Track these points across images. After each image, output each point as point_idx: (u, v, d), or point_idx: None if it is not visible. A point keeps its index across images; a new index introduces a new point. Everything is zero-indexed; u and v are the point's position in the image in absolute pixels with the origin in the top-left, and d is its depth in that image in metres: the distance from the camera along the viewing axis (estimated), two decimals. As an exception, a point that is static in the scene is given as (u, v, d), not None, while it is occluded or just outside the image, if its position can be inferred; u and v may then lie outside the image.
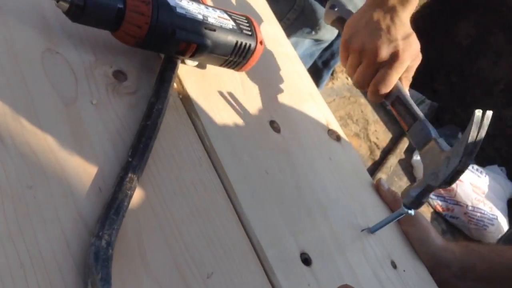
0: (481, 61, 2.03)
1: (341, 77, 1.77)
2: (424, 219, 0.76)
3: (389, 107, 0.72)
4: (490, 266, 0.73)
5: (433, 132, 0.66)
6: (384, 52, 0.67)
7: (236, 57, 0.60)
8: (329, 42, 1.09)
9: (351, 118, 1.71)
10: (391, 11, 0.67)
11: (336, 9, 0.79)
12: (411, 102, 0.69)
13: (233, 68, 0.63)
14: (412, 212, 0.66)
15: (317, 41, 1.06)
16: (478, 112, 0.57)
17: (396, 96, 0.70)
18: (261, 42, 0.62)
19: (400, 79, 0.70)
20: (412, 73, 0.72)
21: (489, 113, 0.57)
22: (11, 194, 0.43)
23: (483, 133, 0.57)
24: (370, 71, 0.69)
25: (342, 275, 0.61)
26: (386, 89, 0.69)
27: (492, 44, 2.00)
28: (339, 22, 0.78)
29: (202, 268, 0.50)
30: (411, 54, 0.69)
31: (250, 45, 0.60)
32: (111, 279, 0.42)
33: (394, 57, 0.67)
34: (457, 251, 0.74)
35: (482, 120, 0.57)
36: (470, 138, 0.56)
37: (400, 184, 1.74)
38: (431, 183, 0.62)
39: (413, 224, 0.74)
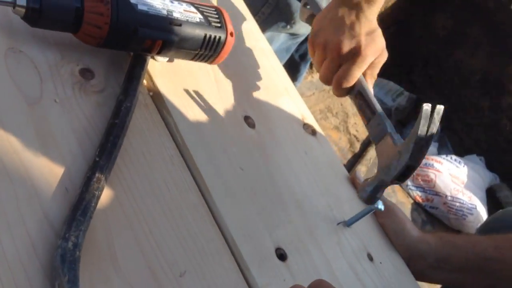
0: (458, 52, 2.05)
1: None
2: (400, 211, 0.77)
3: (352, 101, 0.73)
4: (465, 257, 0.74)
5: (389, 127, 0.66)
6: (346, 47, 0.68)
7: (206, 50, 0.59)
8: (305, 36, 1.09)
9: (331, 111, 1.72)
10: (356, 8, 0.68)
11: (308, 7, 0.79)
12: (372, 97, 0.69)
13: (205, 62, 0.62)
14: (381, 207, 0.67)
15: (293, 35, 1.05)
16: (426, 106, 0.56)
17: (357, 91, 0.70)
18: (231, 34, 0.61)
19: (364, 75, 0.71)
20: (377, 70, 0.72)
21: (440, 108, 0.56)
22: (-28, 197, 0.42)
23: (434, 128, 0.56)
24: (334, 66, 0.70)
25: (318, 269, 0.61)
26: (348, 83, 0.69)
27: (469, 36, 2.02)
28: (312, 19, 0.78)
29: (174, 267, 0.49)
30: (375, 50, 0.69)
31: (220, 38, 0.60)
32: (79, 281, 0.41)
33: (356, 52, 0.68)
34: (432, 242, 0.74)
35: (432, 115, 0.56)
36: (419, 133, 0.56)
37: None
38: (384, 178, 0.62)
39: (388, 216, 0.75)
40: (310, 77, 1.74)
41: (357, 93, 0.70)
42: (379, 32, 0.70)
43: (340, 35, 0.68)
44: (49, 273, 0.41)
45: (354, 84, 0.70)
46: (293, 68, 0.82)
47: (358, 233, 0.71)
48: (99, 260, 0.45)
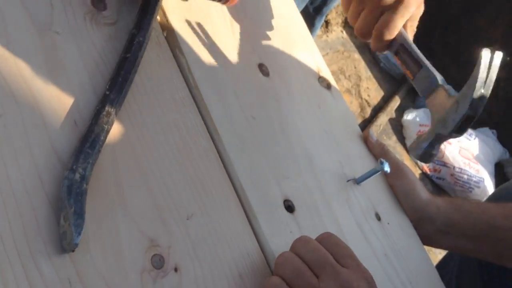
0: (479, 20, 1.98)
1: (336, 30, 1.73)
2: (411, 173, 0.75)
3: (394, 58, 0.69)
4: (474, 223, 0.73)
5: (440, 78, 0.63)
6: None
7: (223, -10, 0.56)
8: None
9: (344, 74, 1.68)
10: None
11: None
12: (416, 49, 0.65)
13: (219, 1, 0.59)
14: (387, 170, 0.65)
15: (310, -18, 1.01)
16: (486, 51, 0.52)
17: (400, 44, 0.66)
18: (251, -25, 0.58)
19: (404, 27, 0.67)
20: (416, 22, 0.68)
21: (500, 53, 0.52)
22: (-23, 121, 0.40)
23: (493, 75, 0.52)
24: (374, 17, 0.65)
25: (325, 224, 0.60)
26: (390, 34, 0.65)
27: (491, 2, 1.95)
28: None
29: (181, 209, 0.48)
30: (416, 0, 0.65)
31: (239, -23, 0.57)
32: (85, 214, 0.40)
33: (399, 0, 0.63)
34: (442, 206, 0.73)
35: (491, 60, 0.52)
36: (479, 80, 0.52)
37: (389, 143, 1.73)
38: (441, 131, 0.58)
39: (399, 177, 0.73)
40: (325, 36, 1.69)
41: (399, 47, 0.66)
42: None
43: None
44: (55, 205, 0.40)
45: (395, 38, 0.65)
46: (307, 21, 0.78)
47: (368, 192, 0.69)
48: (106, 196, 0.44)
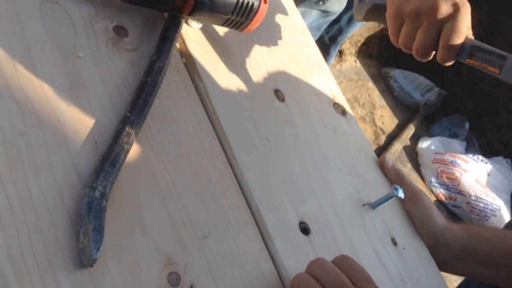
0: (492, 51, 1.99)
1: (349, 60, 1.75)
2: (427, 198, 0.74)
3: (467, 62, 0.67)
4: (491, 250, 0.71)
5: None
6: (444, 8, 0.63)
7: (238, 16, 0.58)
8: (337, 14, 1.07)
9: (358, 102, 1.69)
10: None
11: (366, 0, 0.75)
12: (488, 46, 0.65)
13: (236, 29, 0.60)
14: (401, 196, 0.65)
15: (325, 12, 1.03)
16: None
17: (471, 47, 0.65)
18: (265, 1, 0.60)
19: None
20: (470, 24, 0.67)
21: None
22: (2, 139, 0.42)
23: None
24: (433, 31, 0.65)
25: (340, 247, 0.60)
26: (459, 38, 0.64)
27: (504, 35, 1.96)
28: (374, 11, 0.74)
29: (198, 228, 0.49)
30: (468, 3, 0.65)
31: (253, 4, 0.58)
32: (104, 230, 0.40)
33: (456, 9, 0.63)
34: (458, 232, 0.72)
35: None
36: None
37: (404, 170, 1.72)
38: None
39: (415, 202, 0.73)
40: (339, 65, 1.72)
41: (471, 49, 0.65)
42: None
43: None
44: (75, 221, 0.41)
45: (464, 42, 0.65)
46: (322, 50, 0.79)
47: (383, 217, 0.69)
48: (124, 214, 0.44)
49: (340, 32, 1.13)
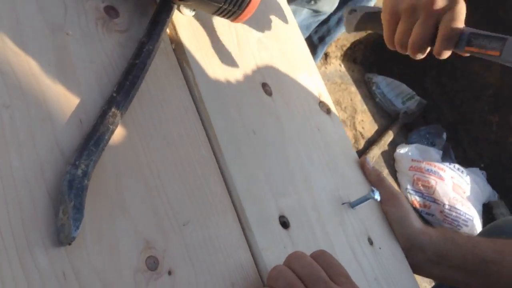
0: (474, 65, 2.03)
1: (334, 63, 1.76)
2: (405, 201, 0.75)
3: (466, 51, 0.67)
4: (464, 255, 0.73)
5: None
6: (440, 1, 0.64)
7: (230, 5, 0.57)
8: (327, 14, 1.07)
9: (340, 105, 1.70)
10: None
11: (356, 11, 0.76)
12: (485, 31, 0.66)
13: (228, 18, 0.60)
14: (378, 198, 0.66)
15: (315, 12, 1.03)
16: None
17: (469, 33, 0.66)
18: (259, -7, 0.59)
19: None
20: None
21: None
22: (-15, 111, 0.40)
23: None
24: (430, 23, 0.65)
25: (318, 242, 0.60)
26: (460, 23, 0.64)
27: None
28: (366, 19, 0.75)
29: (179, 215, 0.48)
30: None
31: (246, -7, 0.58)
32: (84, 209, 0.40)
33: (453, 1, 0.64)
34: (434, 236, 0.73)
35: None
36: None
37: (381, 175, 1.75)
38: None
39: (393, 205, 0.73)
40: (324, 67, 1.73)
41: (470, 36, 0.65)
42: None
43: None
44: (54, 198, 0.40)
45: (462, 31, 0.65)
46: (310, 49, 0.80)
47: (362, 216, 0.70)
48: (105, 195, 0.44)
49: (328, 32, 1.14)
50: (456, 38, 0.66)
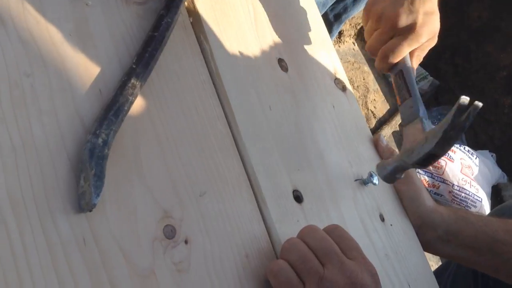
0: (488, 46, 2.00)
1: (348, 42, 1.74)
2: (418, 180, 0.76)
3: (391, 78, 0.71)
4: (475, 234, 0.73)
5: (422, 111, 0.64)
6: (403, 21, 0.65)
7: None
8: None
9: (352, 84, 1.69)
10: None
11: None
12: (413, 79, 0.67)
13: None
14: (376, 182, 0.67)
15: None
16: (464, 99, 0.52)
17: (400, 70, 0.68)
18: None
19: (411, 55, 0.69)
20: (424, 52, 0.70)
21: (478, 105, 0.51)
22: (7, 78, 0.41)
23: (466, 123, 0.53)
24: (384, 38, 0.68)
25: (331, 217, 0.61)
26: (394, 58, 0.67)
27: (503, 30, 1.97)
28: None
29: (195, 186, 0.49)
30: (429, 32, 0.66)
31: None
32: (105, 177, 0.40)
33: (411, 28, 0.65)
34: (445, 214, 0.73)
35: (467, 109, 0.53)
36: (451, 123, 0.53)
37: (391, 155, 1.74)
38: (406, 160, 0.60)
39: (406, 182, 0.74)
40: (337, 46, 1.71)
41: (399, 72, 0.68)
42: (437, 15, 0.67)
43: (398, 8, 0.65)
44: (75, 166, 0.41)
45: (399, 62, 0.67)
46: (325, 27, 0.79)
47: (374, 193, 0.70)
48: (125, 164, 0.45)
49: (345, 10, 1.12)
50: (389, 66, 0.68)
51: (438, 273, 0.96)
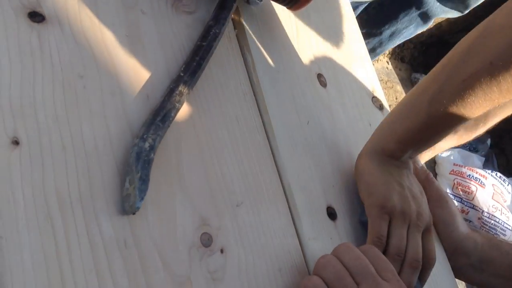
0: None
1: (382, 60, 1.74)
2: (453, 204, 0.74)
3: None
4: (509, 264, 0.71)
5: None
6: None
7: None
8: (368, 2, 1.05)
9: (384, 103, 1.69)
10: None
11: None
12: None
13: (287, 5, 0.60)
14: None
15: (357, 2, 1.01)
16: None
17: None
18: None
19: None
20: None
21: None
22: (62, 79, 0.42)
23: None
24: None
25: (364, 236, 0.60)
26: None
27: None
28: None
29: (233, 196, 0.49)
30: None
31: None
32: (149, 181, 0.41)
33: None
34: (479, 241, 0.72)
35: None
36: None
37: (420, 177, 1.72)
38: None
39: (441, 206, 0.72)
40: (371, 64, 1.71)
41: None
42: None
43: None
44: (121, 168, 0.42)
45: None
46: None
47: (406, 215, 0.69)
48: (167, 170, 0.45)
49: (380, 45, 1.12)
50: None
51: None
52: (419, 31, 1.15)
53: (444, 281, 0.69)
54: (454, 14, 1.02)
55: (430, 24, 1.14)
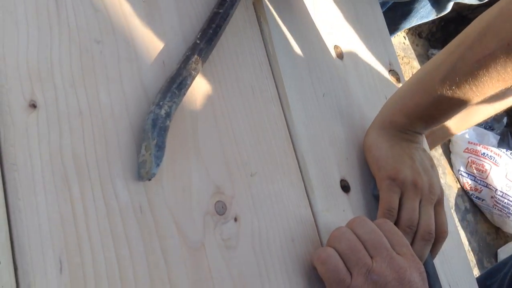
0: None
1: (399, 35, 1.71)
2: None
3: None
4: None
5: None
6: None
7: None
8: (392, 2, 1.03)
9: (400, 78, 1.66)
10: None
11: None
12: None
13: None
14: None
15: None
16: None
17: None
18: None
19: None
20: None
21: None
22: (79, 43, 0.42)
23: None
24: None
25: (377, 210, 0.60)
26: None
27: None
28: None
29: (247, 165, 0.49)
30: None
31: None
32: (165, 148, 0.41)
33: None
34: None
35: None
36: None
37: (434, 154, 1.71)
38: None
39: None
40: (388, 38, 1.68)
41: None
42: None
43: None
44: (137, 135, 0.42)
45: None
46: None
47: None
48: (183, 138, 0.45)
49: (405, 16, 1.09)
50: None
51: (487, 275, 0.93)
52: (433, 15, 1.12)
53: (454, 255, 0.69)
54: (472, 0, 0.99)
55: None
